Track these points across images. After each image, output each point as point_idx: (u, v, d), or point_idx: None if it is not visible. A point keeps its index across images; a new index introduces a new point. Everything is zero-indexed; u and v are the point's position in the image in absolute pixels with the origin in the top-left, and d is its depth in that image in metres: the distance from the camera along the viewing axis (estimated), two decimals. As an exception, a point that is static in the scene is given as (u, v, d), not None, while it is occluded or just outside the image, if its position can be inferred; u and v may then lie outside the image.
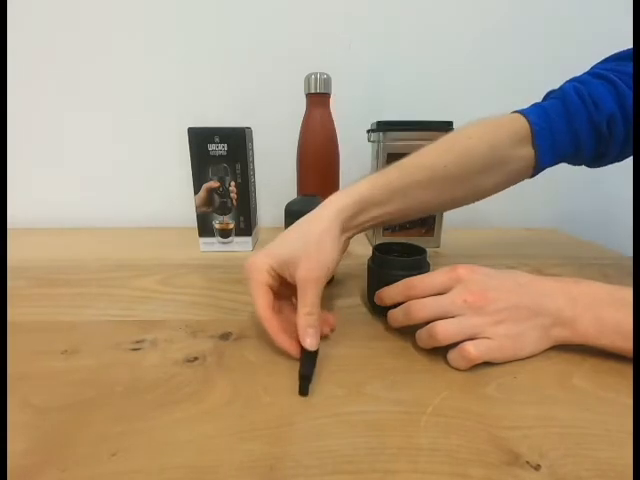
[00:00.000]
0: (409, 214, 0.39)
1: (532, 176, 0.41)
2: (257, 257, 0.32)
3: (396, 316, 0.32)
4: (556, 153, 0.39)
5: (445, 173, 0.36)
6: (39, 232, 0.68)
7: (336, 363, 0.30)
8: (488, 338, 0.28)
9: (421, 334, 0.30)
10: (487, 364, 0.29)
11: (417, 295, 0.31)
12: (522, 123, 0.38)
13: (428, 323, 0.30)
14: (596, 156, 0.40)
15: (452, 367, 0.29)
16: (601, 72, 0.38)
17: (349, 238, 0.36)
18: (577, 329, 0.29)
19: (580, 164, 0.42)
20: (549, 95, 0.42)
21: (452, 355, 0.29)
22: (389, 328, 0.35)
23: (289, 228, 0.34)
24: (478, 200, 0.41)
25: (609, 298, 0.30)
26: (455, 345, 0.29)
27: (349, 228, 0.35)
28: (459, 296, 0.29)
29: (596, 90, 0.37)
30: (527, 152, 0.38)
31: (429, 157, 0.37)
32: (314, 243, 0.31)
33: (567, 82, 0.41)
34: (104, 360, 0.30)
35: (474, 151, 0.37)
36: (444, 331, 0.28)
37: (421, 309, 0.30)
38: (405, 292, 0.32)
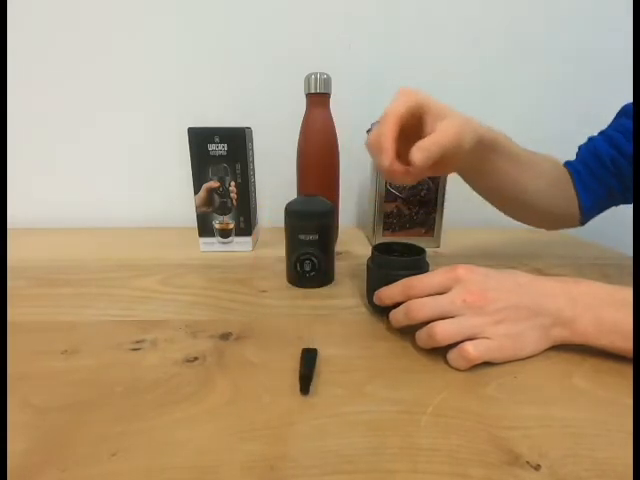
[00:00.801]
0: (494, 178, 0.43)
1: (582, 222, 0.50)
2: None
3: (397, 317, 0.32)
4: (592, 195, 0.47)
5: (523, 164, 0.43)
6: (39, 232, 0.68)
7: (336, 363, 0.30)
8: (488, 338, 0.29)
9: (420, 334, 0.30)
10: (487, 364, 0.29)
11: (416, 295, 0.31)
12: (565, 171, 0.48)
13: (428, 323, 0.29)
14: (621, 190, 0.46)
15: (452, 367, 0.29)
16: (606, 132, 0.48)
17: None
18: (577, 329, 0.29)
19: (619, 204, 0.49)
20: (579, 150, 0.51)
21: (452, 355, 0.29)
22: (389, 328, 0.35)
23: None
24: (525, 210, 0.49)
25: (609, 298, 0.30)
26: (455, 345, 0.29)
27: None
28: (458, 296, 0.29)
29: (597, 143, 0.47)
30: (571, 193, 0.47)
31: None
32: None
33: (585, 144, 0.50)
34: (104, 360, 0.30)
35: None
36: (443, 331, 0.28)
37: (420, 309, 0.30)
38: (404, 292, 0.32)
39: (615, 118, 0.50)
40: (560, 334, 0.30)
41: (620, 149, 0.45)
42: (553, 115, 0.73)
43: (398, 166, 0.33)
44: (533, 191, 0.45)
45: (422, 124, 0.35)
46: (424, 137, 0.33)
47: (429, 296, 0.31)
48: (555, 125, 0.73)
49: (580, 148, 0.50)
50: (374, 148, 0.34)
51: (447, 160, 0.34)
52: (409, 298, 0.31)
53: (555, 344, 0.31)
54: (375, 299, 0.35)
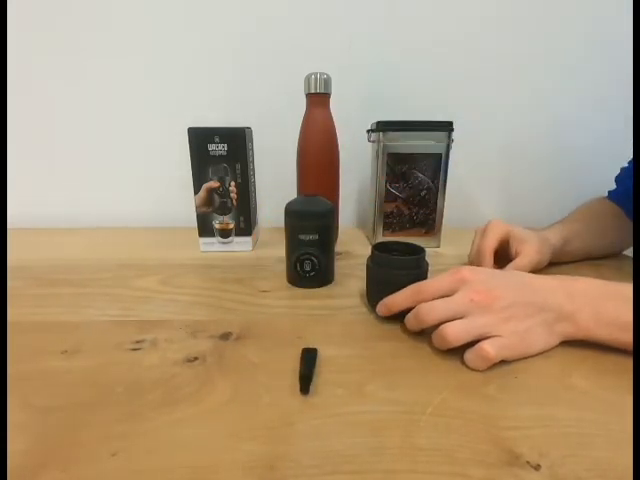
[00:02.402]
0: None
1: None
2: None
3: (409, 322, 0.33)
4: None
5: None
6: (39, 232, 0.68)
7: (336, 363, 0.30)
8: (499, 336, 0.29)
9: (434, 337, 0.31)
10: (487, 364, 0.29)
11: (424, 299, 0.31)
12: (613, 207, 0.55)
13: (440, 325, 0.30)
14: None
15: (470, 368, 0.29)
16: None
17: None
18: (578, 323, 0.30)
19: None
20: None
21: (470, 356, 0.29)
22: (389, 328, 0.35)
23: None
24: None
25: (607, 292, 0.31)
26: (470, 346, 0.29)
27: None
28: (466, 296, 0.30)
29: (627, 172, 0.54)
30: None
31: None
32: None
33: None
34: (104, 360, 0.30)
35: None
36: (454, 332, 0.29)
37: (429, 312, 0.30)
38: (413, 297, 0.32)
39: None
40: (564, 329, 0.30)
41: None
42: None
43: None
44: (601, 247, 0.53)
45: (508, 247, 0.46)
46: (510, 256, 0.45)
47: (437, 299, 0.31)
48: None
49: (616, 179, 0.56)
50: None
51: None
52: (418, 303, 0.32)
53: (562, 340, 0.31)
54: (381, 308, 0.35)
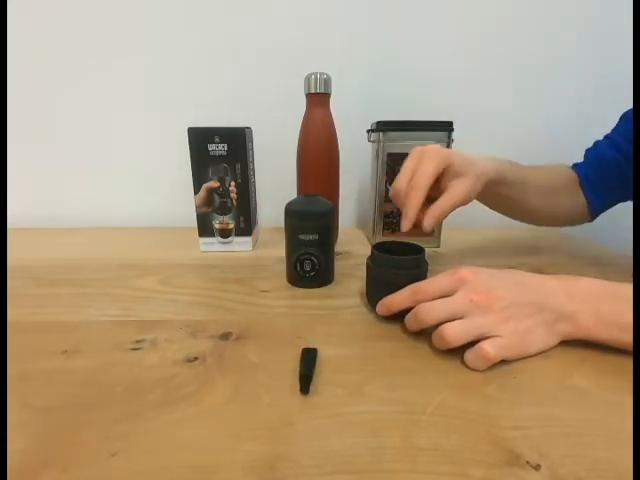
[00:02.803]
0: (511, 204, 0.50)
1: (591, 219, 0.54)
2: (436, 146, 0.41)
3: (409, 322, 0.33)
4: (599, 196, 0.51)
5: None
6: (39, 232, 0.68)
7: (336, 363, 0.30)
8: (499, 336, 0.29)
9: (433, 338, 0.31)
10: (487, 364, 0.29)
11: (424, 299, 0.31)
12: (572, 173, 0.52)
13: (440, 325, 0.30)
14: (627, 190, 0.50)
15: (470, 368, 0.29)
16: (611, 137, 0.52)
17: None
18: (579, 324, 0.30)
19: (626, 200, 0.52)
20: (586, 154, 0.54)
21: (470, 356, 0.29)
22: (389, 328, 0.35)
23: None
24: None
25: (607, 292, 0.31)
26: (470, 346, 0.29)
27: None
28: (465, 296, 0.30)
29: (602, 147, 0.51)
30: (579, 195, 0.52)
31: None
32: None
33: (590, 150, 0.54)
34: (104, 360, 0.30)
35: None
36: (453, 332, 0.29)
37: (429, 312, 0.30)
38: (412, 297, 0.32)
39: (618, 121, 0.52)
40: (564, 329, 0.30)
41: (623, 152, 0.48)
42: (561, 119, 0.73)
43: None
44: (540, 205, 0.50)
45: (440, 178, 0.41)
46: (439, 188, 0.41)
47: (437, 299, 0.31)
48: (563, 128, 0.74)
49: (587, 152, 0.54)
50: (400, 203, 0.40)
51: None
52: (418, 303, 0.32)
53: (562, 339, 0.31)
54: (381, 308, 0.35)
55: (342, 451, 0.21)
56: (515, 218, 0.54)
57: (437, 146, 0.41)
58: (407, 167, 0.41)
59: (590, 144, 0.54)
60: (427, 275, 0.36)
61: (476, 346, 0.29)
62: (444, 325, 0.29)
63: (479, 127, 0.72)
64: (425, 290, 0.32)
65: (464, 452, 0.21)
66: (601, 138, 0.53)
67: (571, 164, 0.54)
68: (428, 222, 0.39)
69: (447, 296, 0.31)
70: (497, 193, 0.46)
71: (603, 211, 0.53)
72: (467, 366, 0.29)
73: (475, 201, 0.50)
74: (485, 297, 0.30)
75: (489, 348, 0.28)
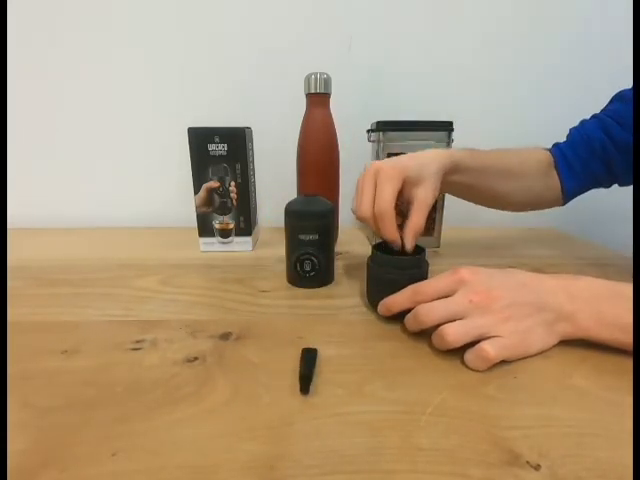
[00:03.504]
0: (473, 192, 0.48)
1: (563, 203, 0.52)
2: (389, 164, 0.39)
3: (409, 322, 0.33)
4: (575, 179, 0.49)
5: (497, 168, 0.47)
6: (39, 232, 0.68)
7: (336, 363, 0.30)
8: (499, 336, 0.29)
9: (433, 338, 0.31)
10: (487, 364, 0.29)
11: (423, 300, 0.31)
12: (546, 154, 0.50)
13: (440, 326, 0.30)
14: (607, 176, 0.49)
15: (470, 368, 0.29)
16: (599, 116, 0.49)
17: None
18: (579, 324, 0.30)
19: (603, 187, 0.51)
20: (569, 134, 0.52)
21: (470, 356, 0.29)
22: (389, 328, 0.35)
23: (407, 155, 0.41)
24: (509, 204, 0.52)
25: (607, 293, 0.30)
26: (470, 346, 0.29)
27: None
28: (464, 297, 0.30)
29: (589, 127, 0.49)
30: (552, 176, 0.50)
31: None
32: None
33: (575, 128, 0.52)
34: (104, 360, 0.30)
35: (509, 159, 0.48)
36: (453, 333, 0.29)
37: (428, 313, 0.30)
38: (412, 298, 0.32)
39: (609, 102, 0.50)
40: (564, 329, 0.30)
41: (611, 135, 0.46)
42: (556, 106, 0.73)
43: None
44: (505, 190, 0.48)
45: (401, 191, 0.39)
46: (403, 199, 0.40)
47: (436, 300, 0.31)
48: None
49: (571, 131, 0.51)
50: (371, 227, 0.39)
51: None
52: (417, 303, 0.32)
53: (561, 339, 0.31)
54: (381, 308, 0.35)
55: (342, 451, 0.21)
56: (481, 204, 0.51)
57: (389, 163, 0.39)
58: (365, 191, 0.38)
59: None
60: (427, 275, 0.36)
61: (476, 346, 0.29)
62: (444, 326, 0.29)
63: (479, 127, 0.72)
64: (425, 291, 0.32)
65: (464, 452, 0.21)
66: (588, 117, 0.51)
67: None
68: (410, 243, 0.38)
69: (447, 297, 0.31)
70: (454, 182, 0.44)
71: (576, 195, 0.51)
72: (467, 366, 0.29)
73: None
74: (485, 297, 0.30)
75: (489, 348, 0.28)
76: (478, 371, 0.28)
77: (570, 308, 0.30)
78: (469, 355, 0.29)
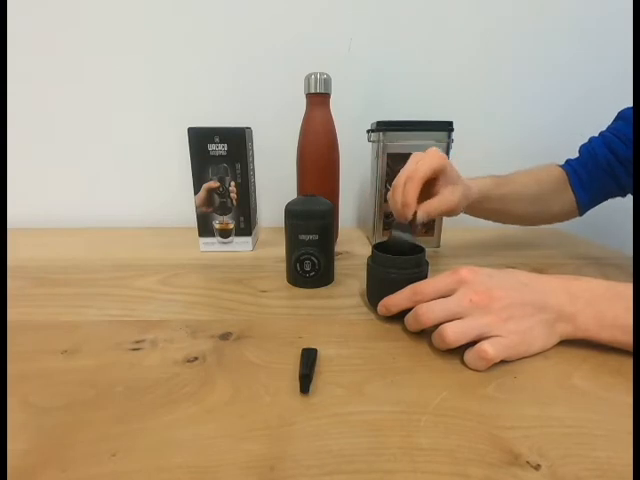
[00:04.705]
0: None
1: (580, 215, 0.56)
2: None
3: (409, 322, 0.33)
4: (588, 193, 0.53)
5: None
6: (39, 232, 0.68)
7: (336, 363, 0.30)
8: (499, 336, 0.29)
9: (433, 337, 0.31)
10: (487, 364, 0.29)
11: (423, 300, 0.31)
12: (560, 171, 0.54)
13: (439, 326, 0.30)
14: (617, 189, 0.52)
15: (470, 368, 0.29)
16: (604, 134, 0.53)
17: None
18: (578, 324, 0.30)
19: (615, 197, 0.54)
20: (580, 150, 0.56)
21: (469, 356, 0.29)
22: (389, 328, 0.35)
23: None
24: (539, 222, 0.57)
25: (608, 293, 0.30)
26: (470, 346, 0.29)
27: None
28: (465, 297, 0.30)
29: (596, 145, 0.53)
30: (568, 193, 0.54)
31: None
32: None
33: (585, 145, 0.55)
34: (104, 360, 0.30)
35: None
36: (453, 333, 0.29)
37: (429, 312, 0.30)
38: (411, 297, 0.32)
39: (614, 120, 0.53)
40: (564, 329, 0.30)
41: (616, 153, 0.49)
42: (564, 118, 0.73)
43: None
44: (528, 212, 0.54)
45: (434, 181, 0.43)
46: (432, 192, 0.43)
47: (436, 299, 0.31)
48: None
49: (581, 148, 0.54)
50: (398, 199, 0.41)
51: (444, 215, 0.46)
52: (417, 303, 0.32)
53: (561, 339, 0.31)
54: (381, 309, 0.35)
55: (342, 451, 0.21)
56: (504, 223, 0.56)
57: (437, 149, 0.43)
58: (408, 166, 0.42)
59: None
60: (428, 275, 0.36)
61: (476, 346, 0.28)
62: (444, 325, 0.29)
63: (479, 127, 0.72)
64: (424, 291, 0.32)
65: (464, 452, 0.21)
66: (597, 135, 0.54)
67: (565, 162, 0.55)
68: (421, 216, 0.41)
69: (446, 296, 0.31)
70: (483, 209, 0.51)
71: (592, 207, 0.55)
72: (467, 366, 0.29)
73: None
74: (484, 297, 0.30)
75: (489, 348, 0.28)
76: (478, 371, 0.28)
77: (571, 309, 0.30)
78: (469, 355, 0.29)
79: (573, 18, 0.68)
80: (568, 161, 0.55)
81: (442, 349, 0.30)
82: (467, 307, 0.29)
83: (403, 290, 0.33)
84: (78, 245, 0.61)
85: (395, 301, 0.34)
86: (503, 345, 0.28)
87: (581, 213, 0.55)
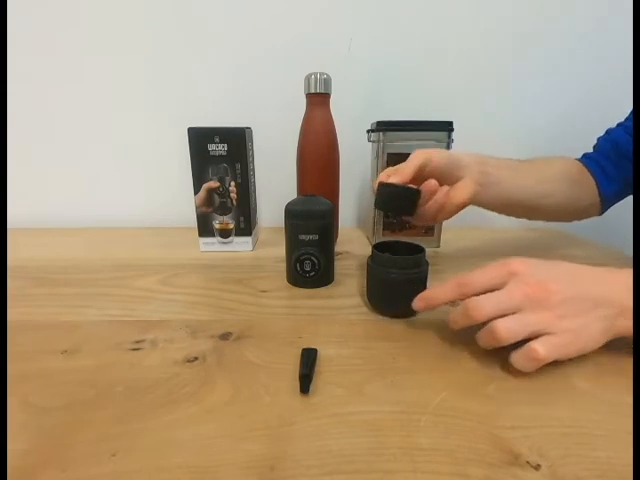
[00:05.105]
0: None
1: (602, 212, 0.53)
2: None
3: (455, 318, 0.30)
4: (612, 184, 0.50)
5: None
6: (39, 232, 0.68)
7: (336, 363, 0.30)
8: (552, 334, 0.27)
9: (481, 335, 0.29)
10: (487, 364, 0.29)
11: (470, 293, 0.29)
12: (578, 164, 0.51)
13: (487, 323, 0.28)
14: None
15: (518, 370, 0.27)
16: (625, 124, 0.51)
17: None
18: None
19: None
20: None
21: (517, 357, 0.27)
22: (389, 328, 0.35)
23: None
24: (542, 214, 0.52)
25: None
26: (516, 346, 0.27)
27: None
28: (517, 290, 0.28)
29: (617, 134, 0.51)
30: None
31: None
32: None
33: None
34: (104, 360, 0.30)
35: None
36: (506, 330, 0.26)
37: (480, 308, 0.28)
38: (457, 290, 0.30)
39: (631, 112, 0.51)
40: (624, 324, 0.28)
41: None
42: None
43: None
44: (544, 205, 0.49)
45: (449, 177, 0.42)
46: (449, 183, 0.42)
47: (485, 293, 0.29)
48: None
49: (599, 140, 0.53)
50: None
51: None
52: (462, 297, 0.30)
53: (618, 336, 0.28)
54: (418, 303, 0.33)
55: (342, 451, 0.21)
56: (525, 217, 0.53)
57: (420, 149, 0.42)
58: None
59: (590, 144, 0.54)
60: (428, 275, 0.36)
61: (525, 346, 0.27)
62: (496, 321, 0.27)
63: (479, 127, 0.72)
64: (472, 283, 0.29)
65: (464, 452, 0.21)
66: (614, 126, 0.52)
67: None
68: (439, 217, 0.42)
69: (495, 289, 0.29)
70: (494, 194, 0.46)
71: (616, 201, 0.52)
72: (513, 366, 0.27)
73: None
74: (539, 290, 0.27)
75: (540, 348, 0.26)
76: (526, 373, 0.27)
77: (631, 303, 0.27)
78: (517, 356, 0.27)
79: (573, 18, 0.68)
80: (585, 155, 0.52)
81: (489, 347, 0.28)
82: (520, 302, 0.27)
83: (447, 282, 0.31)
84: (78, 245, 0.61)
85: (437, 294, 0.31)
86: (555, 345, 0.27)
87: (604, 209, 0.52)
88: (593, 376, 0.28)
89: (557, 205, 0.50)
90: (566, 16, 0.68)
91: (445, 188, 0.42)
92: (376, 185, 0.40)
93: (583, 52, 0.70)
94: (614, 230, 0.68)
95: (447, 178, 0.42)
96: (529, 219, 0.53)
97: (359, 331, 0.35)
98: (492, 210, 0.49)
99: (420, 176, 0.41)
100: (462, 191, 0.41)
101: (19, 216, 0.70)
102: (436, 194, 0.42)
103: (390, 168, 0.42)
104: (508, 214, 0.51)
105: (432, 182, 0.41)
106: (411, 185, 0.40)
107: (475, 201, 0.44)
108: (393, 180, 0.39)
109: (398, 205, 0.40)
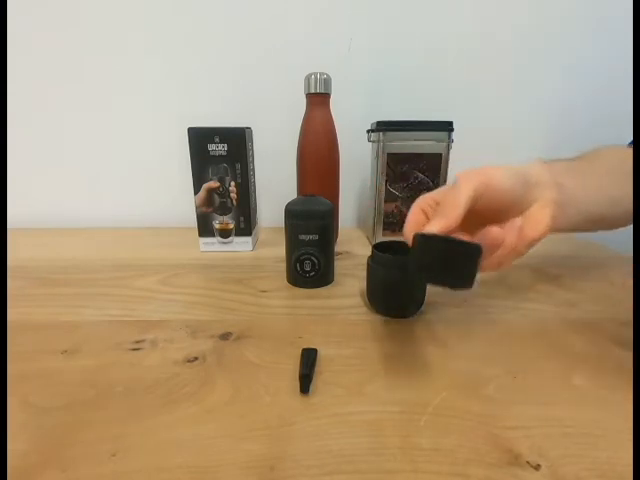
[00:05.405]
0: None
1: None
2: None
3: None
4: None
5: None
6: (39, 232, 0.68)
7: (336, 363, 0.30)
8: None
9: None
10: (487, 364, 0.29)
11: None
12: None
13: None
14: None
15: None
16: None
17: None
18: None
19: None
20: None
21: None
22: (389, 328, 0.35)
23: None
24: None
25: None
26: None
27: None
28: None
29: None
30: None
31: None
32: None
33: None
34: (104, 360, 0.30)
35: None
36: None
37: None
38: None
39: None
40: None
41: None
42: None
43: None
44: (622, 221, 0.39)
45: (516, 205, 0.31)
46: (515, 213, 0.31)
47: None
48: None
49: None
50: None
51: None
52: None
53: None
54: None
55: (342, 451, 0.21)
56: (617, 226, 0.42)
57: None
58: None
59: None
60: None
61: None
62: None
63: (479, 127, 0.72)
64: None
65: (464, 452, 0.21)
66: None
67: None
68: (509, 264, 0.30)
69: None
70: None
71: None
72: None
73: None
74: None
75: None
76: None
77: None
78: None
79: (573, 18, 0.68)
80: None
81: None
82: None
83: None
84: (78, 245, 0.61)
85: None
86: None
87: None
88: (593, 376, 0.28)
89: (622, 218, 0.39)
90: (567, 16, 0.68)
91: (514, 226, 0.30)
92: (410, 236, 0.27)
93: (584, 52, 0.70)
94: (614, 231, 0.68)
95: (512, 208, 0.30)
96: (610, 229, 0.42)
97: (359, 331, 0.35)
98: (565, 232, 0.38)
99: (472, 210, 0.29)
100: (538, 225, 0.30)
101: (19, 216, 0.70)
102: (503, 242, 0.29)
103: (423, 198, 0.30)
104: (583, 231, 0.40)
105: (493, 232, 0.28)
106: (462, 237, 0.27)
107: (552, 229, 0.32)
108: (435, 228, 0.27)
109: (448, 271, 0.25)
